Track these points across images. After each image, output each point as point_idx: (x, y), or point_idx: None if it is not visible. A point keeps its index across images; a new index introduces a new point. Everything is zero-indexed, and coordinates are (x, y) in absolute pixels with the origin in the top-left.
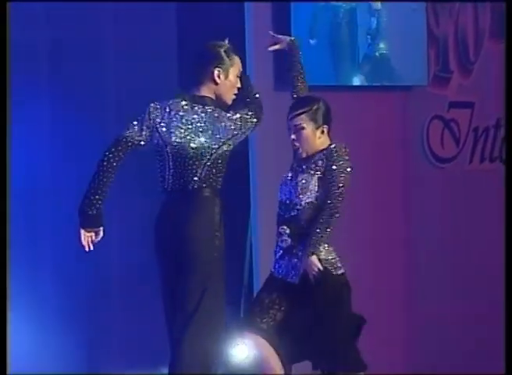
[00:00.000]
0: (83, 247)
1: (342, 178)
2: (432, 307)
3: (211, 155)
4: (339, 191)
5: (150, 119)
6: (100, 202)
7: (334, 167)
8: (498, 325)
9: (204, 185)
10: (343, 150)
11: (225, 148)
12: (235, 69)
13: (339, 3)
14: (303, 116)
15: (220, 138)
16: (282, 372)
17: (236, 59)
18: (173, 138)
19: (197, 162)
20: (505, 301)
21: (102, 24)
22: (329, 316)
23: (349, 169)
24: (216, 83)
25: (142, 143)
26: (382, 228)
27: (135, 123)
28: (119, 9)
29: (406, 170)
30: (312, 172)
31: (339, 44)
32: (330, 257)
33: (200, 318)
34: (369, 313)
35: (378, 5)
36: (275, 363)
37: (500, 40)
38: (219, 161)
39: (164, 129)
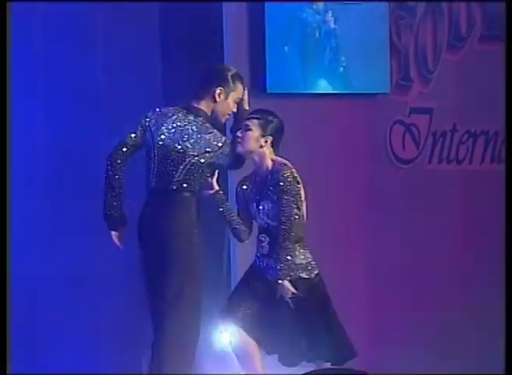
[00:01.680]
0: (118, 247)
1: (290, 207)
2: (421, 307)
3: (190, 161)
4: (290, 215)
5: (145, 121)
6: (119, 202)
7: (283, 196)
8: (493, 325)
9: (182, 187)
10: (289, 173)
11: (202, 159)
12: (235, 94)
13: (313, 15)
14: (255, 120)
15: (200, 148)
16: (254, 361)
17: (240, 87)
18: (161, 137)
19: (176, 165)
20: (505, 301)
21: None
22: (304, 310)
23: (294, 192)
24: (215, 101)
25: (140, 144)
26: (348, 227)
27: (134, 128)
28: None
29: (370, 170)
30: (270, 198)
31: (309, 52)
32: (305, 261)
33: (178, 307)
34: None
35: (332, 24)
36: (247, 351)
37: (456, 52)
38: (195, 168)
39: (154, 128)
